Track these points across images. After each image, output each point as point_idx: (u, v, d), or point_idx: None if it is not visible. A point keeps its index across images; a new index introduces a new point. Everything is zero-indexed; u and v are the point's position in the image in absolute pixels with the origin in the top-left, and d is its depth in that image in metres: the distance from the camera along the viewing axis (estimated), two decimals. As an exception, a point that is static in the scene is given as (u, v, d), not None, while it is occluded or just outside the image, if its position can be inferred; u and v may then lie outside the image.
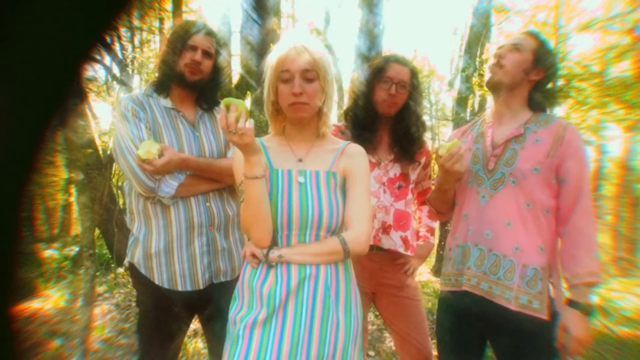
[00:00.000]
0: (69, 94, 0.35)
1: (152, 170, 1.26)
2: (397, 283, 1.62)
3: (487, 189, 1.31)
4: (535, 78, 1.33)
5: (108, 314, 3.22)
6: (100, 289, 3.69)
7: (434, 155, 1.54)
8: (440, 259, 5.26)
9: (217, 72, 1.47)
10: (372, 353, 2.81)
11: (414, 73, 1.59)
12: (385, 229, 1.57)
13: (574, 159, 1.23)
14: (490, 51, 1.45)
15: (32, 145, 0.34)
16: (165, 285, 1.37)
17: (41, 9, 0.30)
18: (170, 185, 1.32)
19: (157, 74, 1.50)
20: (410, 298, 1.63)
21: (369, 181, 1.22)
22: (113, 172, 4.92)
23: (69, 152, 2.14)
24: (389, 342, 2.93)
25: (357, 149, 1.19)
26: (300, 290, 1.05)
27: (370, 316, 3.17)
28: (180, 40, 1.38)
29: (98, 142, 4.38)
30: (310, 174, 1.11)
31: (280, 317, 1.04)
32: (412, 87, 1.58)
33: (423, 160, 1.67)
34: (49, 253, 5.20)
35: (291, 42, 1.08)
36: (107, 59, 4.23)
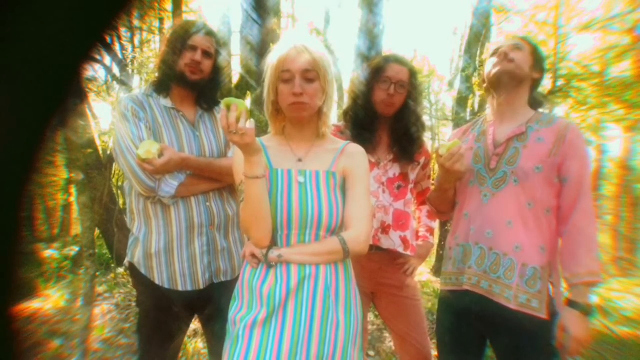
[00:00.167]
0: (69, 94, 0.35)
1: (152, 170, 1.26)
2: (396, 283, 1.62)
3: (489, 188, 1.31)
4: (536, 77, 1.36)
5: (108, 314, 3.22)
6: (100, 289, 3.69)
7: (434, 155, 1.54)
8: (440, 258, 5.26)
9: (217, 72, 1.47)
10: (372, 353, 2.81)
11: (413, 73, 1.59)
12: (385, 229, 1.57)
13: (576, 158, 1.23)
14: (489, 51, 1.43)
15: (32, 145, 0.34)
16: (166, 285, 1.37)
17: (41, 9, 0.30)
18: (170, 184, 1.32)
19: (157, 74, 1.50)
20: (409, 298, 1.63)
21: (369, 181, 1.22)
22: (113, 172, 4.92)
23: (69, 152, 2.14)
24: (389, 342, 2.93)
25: (356, 149, 1.19)
26: (300, 290, 1.05)
27: (370, 316, 3.17)
28: (180, 40, 1.38)
29: (98, 142, 4.38)
30: (310, 174, 1.11)
31: (280, 317, 1.04)
32: (411, 87, 1.58)
33: (422, 160, 1.67)
34: (49, 253, 5.19)
35: (292, 42, 1.08)
36: (107, 59, 4.23)
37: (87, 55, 0.35)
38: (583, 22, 4.85)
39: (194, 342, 2.64)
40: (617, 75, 4.93)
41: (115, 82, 4.45)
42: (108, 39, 0.36)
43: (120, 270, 4.11)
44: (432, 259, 5.65)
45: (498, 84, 1.34)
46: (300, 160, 1.14)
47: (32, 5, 0.30)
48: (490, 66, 1.35)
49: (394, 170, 1.62)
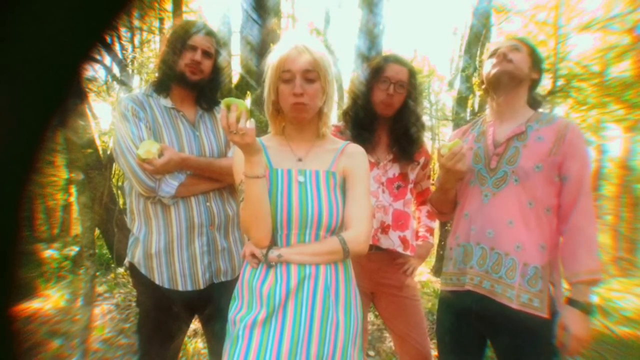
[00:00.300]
0: (69, 94, 0.35)
1: (152, 170, 1.26)
2: (396, 283, 1.62)
3: (489, 188, 1.31)
4: (535, 77, 1.37)
5: (108, 314, 3.22)
6: (100, 289, 3.69)
7: (434, 156, 1.54)
8: (440, 258, 5.26)
9: (217, 72, 1.47)
10: (372, 353, 2.81)
11: (412, 73, 1.59)
12: (384, 229, 1.57)
13: (576, 157, 1.23)
14: (488, 51, 1.43)
15: (32, 145, 0.34)
16: (166, 285, 1.37)
17: (41, 9, 0.30)
18: (170, 184, 1.32)
19: (157, 74, 1.50)
20: (409, 298, 1.63)
21: (369, 181, 1.22)
22: (113, 172, 4.92)
23: (69, 152, 2.13)
24: (389, 342, 2.93)
25: (356, 149, 1.19)
26: (300, 290, 1.05)
27: (370, 316, 3.17)
28: (180, 40, 1.38)
29: (98, 142, 4.38)
30: (310, 174, 1.11)
31: (280, 317, 1.04)
32: (411, 87, 1.58)
33: (422, 160, 1.67)
34: (49, 253, 5.19)
35: (292, 42, 1.08)
36: (107, 59, 4.24)
37: (87, 55, 0.35)
38: (583, 22, 4.85)
39: (194, 342, 2.64)
40: (617, 75, 4.93)
41: (115, 82, 4.45)
42: (108, 39, 0.36)
43: (120, 270, 4.11)
44: (432, 259, 5.64)
45: (497, 85, 1.34)
46: (300, 160, 1.14)
47: (32, 5, 0.30)
48: (489, 67, 1.35)
49: (394, 170, 1.62)
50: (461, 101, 5.31)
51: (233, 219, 1.47)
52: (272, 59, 1.09)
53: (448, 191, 1.42)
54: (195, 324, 2.57)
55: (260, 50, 3.41)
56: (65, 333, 2.53)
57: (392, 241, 1.56)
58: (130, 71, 4.73)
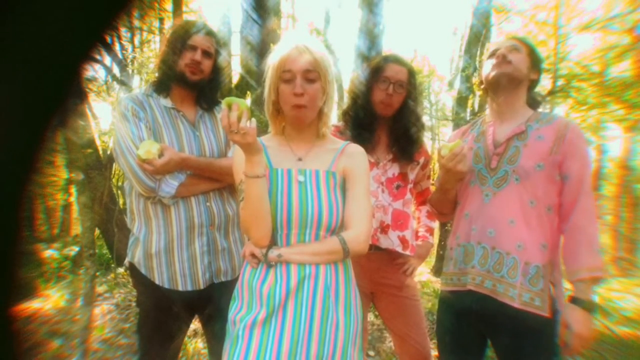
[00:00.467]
0: (69, 94, 0.35)
1: (152, 170, 1.26)
2: (396, 283, 1.62)
3: (490, 187, 1.32)
4: (534, 77, 1.37)
5: (108, 314, 3.22)
6: (100, 289, 3.69)
7: (434, 156, 1.54)
8: (440, 258, 5.25)
9: (217, 72, 1.47)
10: (372, 353, 2.81)
11: (412, 73, 1.59)
12: (384, 229, 1.57)
13: (576, 157, 1.24)
14: (487, 51, 1.44)
15: (32, 145, 0.34)
16: (166, 285, 1.37)
17: (41, 9, 0.30)
18: (170, 185, 1.32)
19: (157, 74, 1.50)
20: (409, 298, 1.63)
21: (369, 181, 1.22)
22: (113, 172, 4.92)
23: (69, 152, 2.13)
24: (389, 342, 2.93)
25: (356, 149, 1.19)
26: (300, 290, 1.05)
27: (370, 316, 3.17)
28: (180, 40, 1.38)
29: (98, 142, 4.38)
30: (310, 173, 1.11)
31: (279, 316, 1.04)
32: (411, 86, 1.58)
33: (422, 160, 1.67)
34: (49, 253, 5.19)
35: (293, 42, 1.08)
36: (107, 59, 4.24)
37: (87, 55, 0.35)
38: (583, 22, 4.85)
39: (194, 342, 2.64)
40: (617, 75, 4.93)
41: (115, 82, 4.45)
42: (108, 39, 0.36)
43: (120, 270, 4.11)
44: (432, 259, 5.64)
45: (496, 86, 1.35)
46: (300, 159, 1.14)
47: (32, 5, 0.30)
48: (489, 67, 1.36)
49: (393, 170, 1.62)
50: (461, 101, 5.31)
51: (233, 219, 1.47)
52: (273, 59, 1.09)
53: (448, 191, 1.43)
54: (195, 324, 2.57)
55: (260, 50, 3.41)
56: (65, 333, 2.53)
57: (391, 241, 1.56)
58: (130, 71, 4.73)
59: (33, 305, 0.38)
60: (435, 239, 2.58)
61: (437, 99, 13.12)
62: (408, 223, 1.61)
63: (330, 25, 9.94)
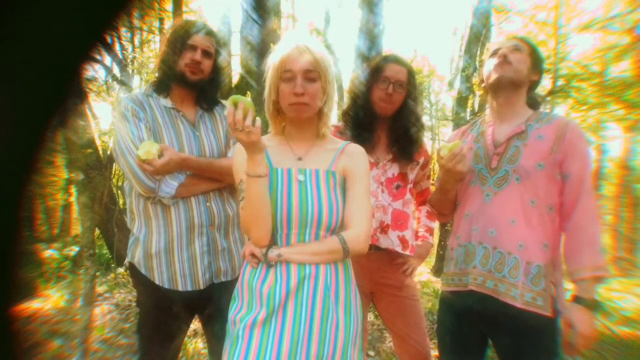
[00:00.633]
0: (69, 94, 0.35)
1: (152, 171, 1.26)
2: (396, 283, 1.62)
3: (491, 187, 1.32)
4: (535, 78, 1.37)
5: (108, 314, 3.22)
6: (100, 289, 3.69)
7: (434, 157, 1.54)
8: (440, 258, 5.25)
9: (217, 72, 1.47)
10: (372, 353, 2.81)
11: (411, 73, 1.59)
12: (383, 229, 1.57)
13: (576, 156, 1.24)
14: (489, 51, 1.44)
15: (32, 145, 0.34)
16: (166, 285, 1.37)
17: (41, 9, 0.30)
18: (170, 185, 1.32)
19: (157, 74, 1.50)
20: (409, 298, 1.63)
21: (369, 181, 1.22)
22: (113, 172, 4.92)
23: (69, 152, 2.13)
24: (389, 342, 2.93)
25: (357, 149, 1.19)
26: (300, 290, 1.05)
27: (370, 316, 3.17)
28: (180, 40, 1.38)
29: (98, 142, 4.38)
30: (310, 173, 1.11)
31: (279, 316, 1.04)
32: (410, 86, 1.58)
33: (422, 160, 1.67)
34: (49, 253, 5.19)
35: (293, 42, 1.08)
36: (107, 59, 4.24)
37: (87, 55, 0.35)
38: (583, 22, 4.85)
39: (194, 342, 2.64)
40: (617, 75, 4.93)
41: (115, 82, 4.45)
42: (108, 39, 0.36)
43: (120, 270, 4.11)
44: (432, 259, 5.64)
45: (497, 88, 1.36)
46: (300, 159, 1.14)
47: (32, 6, 0.30)
48: (490, 67, 1.35)
49: (393, 170, 1.62)
50: (461, 101, 5.32)
51: (233, 219, 1.47)
52: (273, 59, 1.09)
53: (448, 192, 1.43)
54: (195, 324, 2.57)
55: (260, 50, 3.40)
56: (65, 333, 2.53)
57: (391, 241, 1.56)
58: (130, 71, 4.73)
59: (33, 305, 0.38)
60: (435, 239, 2.58)
61: (437, 99, 13.13)
62: (408, 223, 1.61)
63: (330, 25, 9.94)
